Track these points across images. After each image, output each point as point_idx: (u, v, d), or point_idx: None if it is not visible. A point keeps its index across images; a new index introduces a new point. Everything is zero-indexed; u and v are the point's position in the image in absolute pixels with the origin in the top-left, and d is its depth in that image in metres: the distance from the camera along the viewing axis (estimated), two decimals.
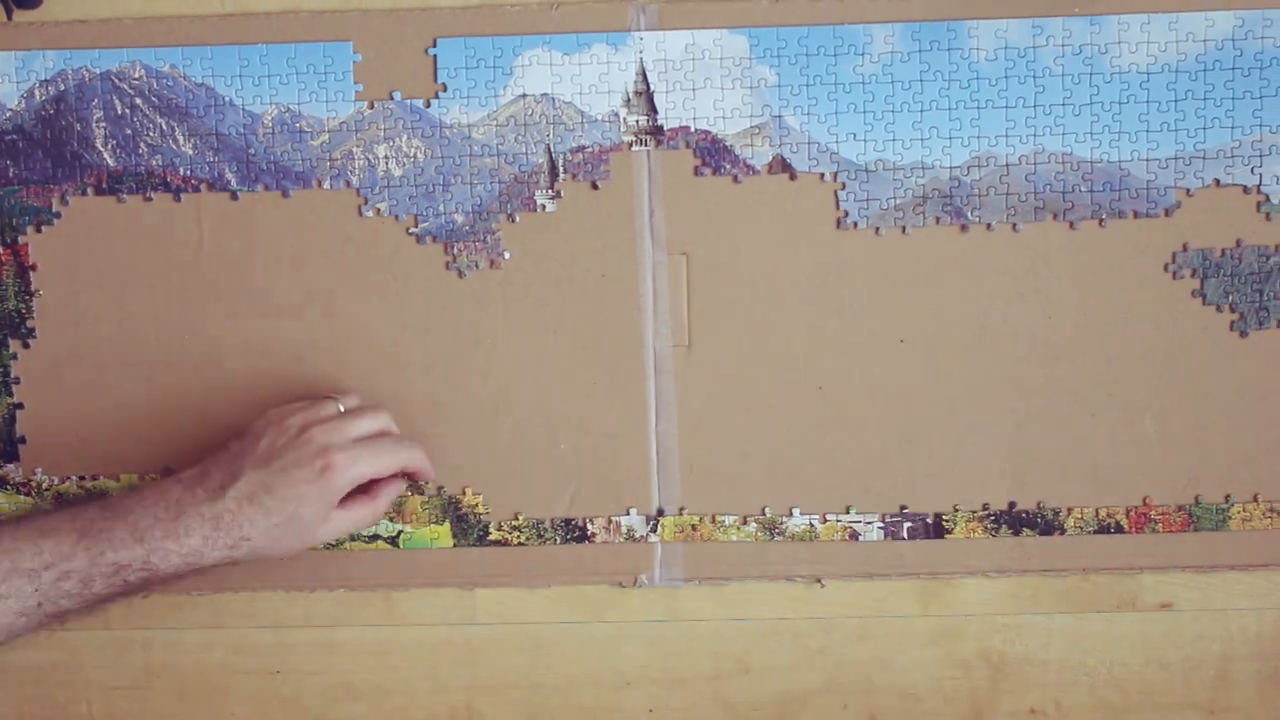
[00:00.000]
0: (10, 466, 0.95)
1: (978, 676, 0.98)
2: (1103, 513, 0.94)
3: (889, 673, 0.98)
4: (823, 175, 0.92)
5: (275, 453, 0.86)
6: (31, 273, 0.94)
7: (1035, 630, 0.97)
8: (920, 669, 0.98)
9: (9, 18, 0.92)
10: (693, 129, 0.92)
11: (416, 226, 0.94)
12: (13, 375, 0.95)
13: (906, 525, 0.95)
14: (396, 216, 0.94)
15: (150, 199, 0.93)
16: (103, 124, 0.93)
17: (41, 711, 0.99)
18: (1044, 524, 0.95)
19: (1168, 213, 0.92)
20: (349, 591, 0.97)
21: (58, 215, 0.94)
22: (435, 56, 0.92)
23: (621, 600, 0.98)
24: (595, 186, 0.93)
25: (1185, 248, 0.92)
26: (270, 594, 0.98)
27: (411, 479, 0.94)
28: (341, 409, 0.90)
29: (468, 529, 0.96)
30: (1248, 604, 0.96)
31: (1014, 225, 0.92)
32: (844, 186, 0.92)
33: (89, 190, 0.94)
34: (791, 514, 0.95)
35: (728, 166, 0.93)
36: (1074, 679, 0.97)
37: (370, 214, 0.94)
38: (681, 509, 0.95)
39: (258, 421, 0.88)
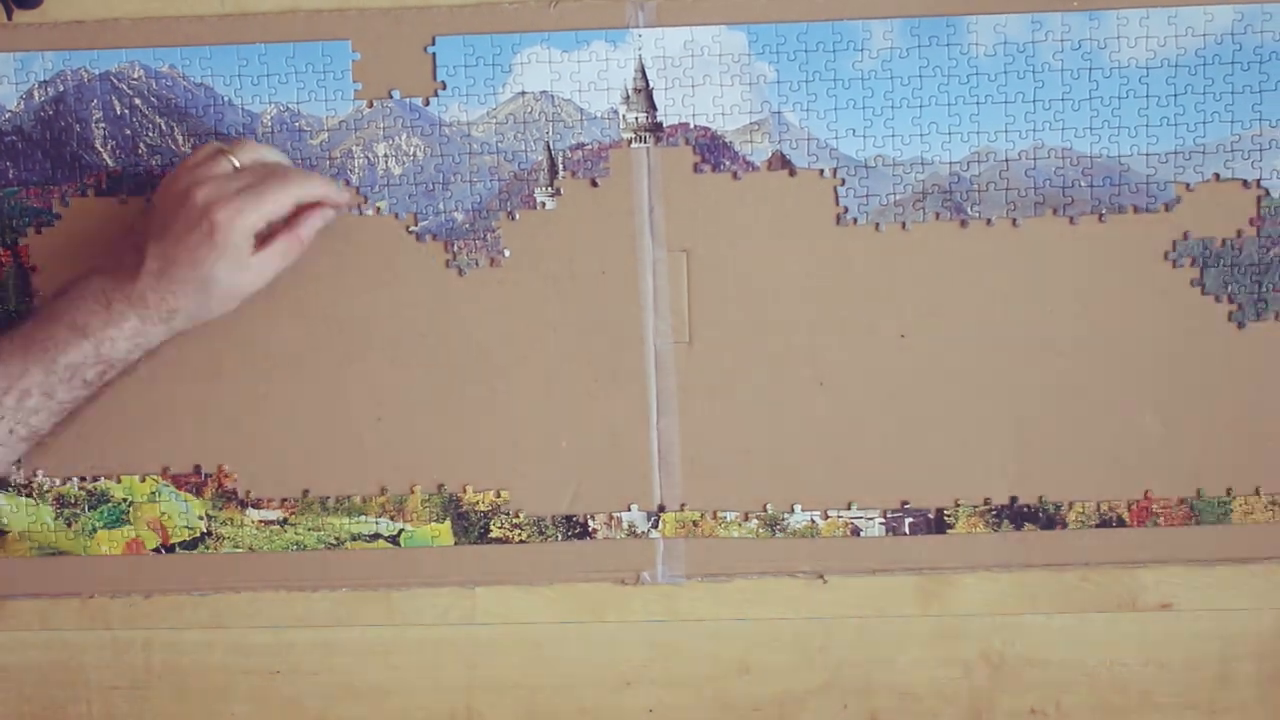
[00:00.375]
0: (11, 468, 0.96)
1: (978, 676, 0.98)
2: (1104, 507, 0.95)
3: (889, 673, 0.99)
4: (822, 171, 0.93)
5: (167, 222, 0.85)
6: (32, 274, 0.95)
7: (1035, 630, 0.98)
8: (920, 669, 0.99)
9: (9, 18, 0.93)
10: (692, 125, 0.93)
11: (416, 225, 0.94)
12: None
13: (908, 521, 0.96)
14: (396, 215, 0.94)
15: (150, 200, 0.93)
16: (102, 125, 0.94)
17: (41, 711, 1.00)
18: (1046, 518, 0.95)
19: (1168, 207, 0.92)
20: (349, 591, 0.98)
21: (58, 216, 0.95)
22: (434, 54, 0.93)
23: (622, 600, 0.98)
24: (595, 184, 0.94)
25: (1186, 236, 0.93)
26: (270, 594, 0.99)
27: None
28: (235, 163, 0.87)
29: (469, 527, 0.97)
30: (1248, 604, 0.97)
31: (1014, 220, 0.93)
32: (843, 182, 0.93)
33: (89, 191, 0.94)
34: (793, 510, 0.96)
35: (727, 163, 0.93)
36: (1074, 679, 0.98)
37: (370, 212, 0.94)
38: (683, 505, 0.96)
39: (158, 190, 0.88)
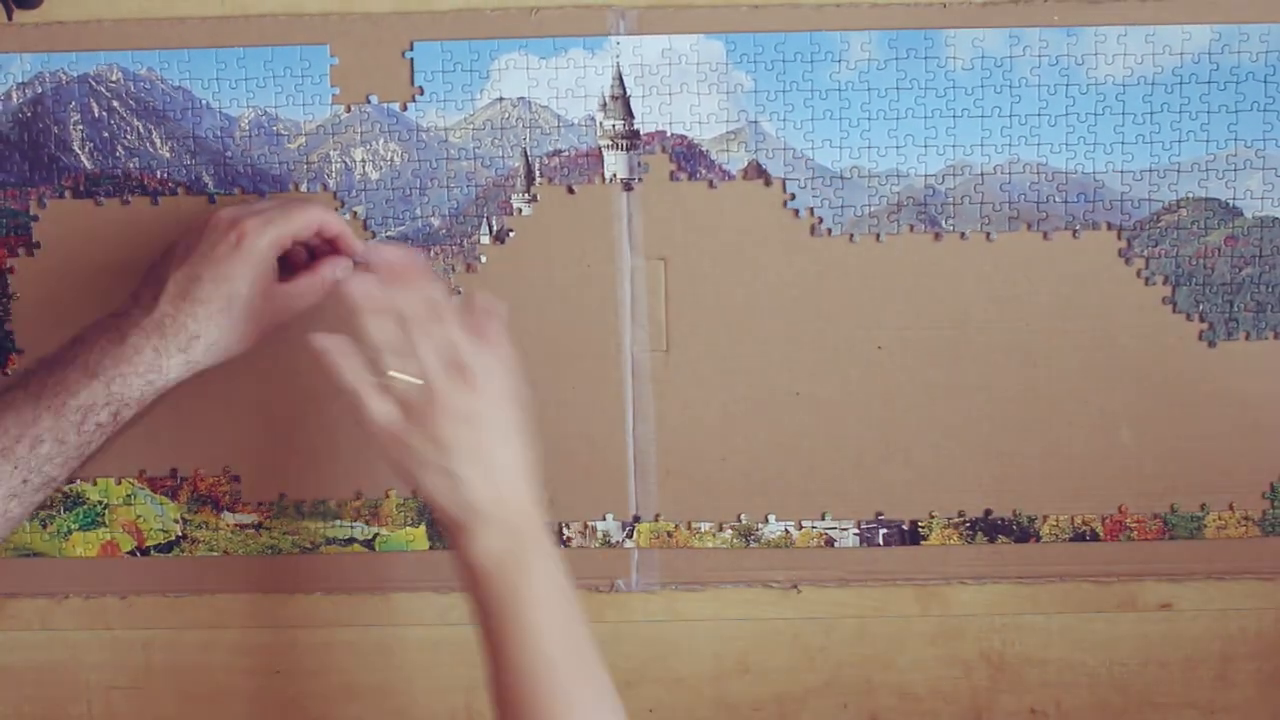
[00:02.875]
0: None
1: (978, 676, 1.02)
2: (1079, 520, 0.99)
3: (889, 673, 1.02)
4: (798, 181, 0.96)
5: (192, 244, 0.86)
6: (9, 276, 0.98)
7: (1035, 630, 1.01)
8: (920, 669, 1.02)
9: (9, 18, 0.95)
10: (669, 134, 0.96)
11: (393, 230, 0.97)
12: None
13: (882, 532, 0.99)
14: (373, 220, 0.97)
15: (128, 202, 0.97)
16: (80, 127, 0.97)
17: (41, 711, 1.03)
18: (1020, 531, 0.99)
19: (1141, 225, 0.95)
20: (343, 595, 1.02)
21: (35, 218, 0.97)
22: (412, 60, 0.96)
23: (622, 600, 1.01)
24: (571, 190, 0.97)
25: (1159, 254, 0.96)
26: (270, 594, 1.02)
27: (341, 250, 0.91)
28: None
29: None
30: (1247, 604, 1.00)
31: (988, 235, 0.96)
32: (818, 193, 0.96)
33: (66, 193, 0.97)
34: (767, 520, 0.99)
35: (703, 171, 0.96)
36: (1074, 679, 1.01)
37: (347, 217, 0.97)
38: (658, 515, 0.99)
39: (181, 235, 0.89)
